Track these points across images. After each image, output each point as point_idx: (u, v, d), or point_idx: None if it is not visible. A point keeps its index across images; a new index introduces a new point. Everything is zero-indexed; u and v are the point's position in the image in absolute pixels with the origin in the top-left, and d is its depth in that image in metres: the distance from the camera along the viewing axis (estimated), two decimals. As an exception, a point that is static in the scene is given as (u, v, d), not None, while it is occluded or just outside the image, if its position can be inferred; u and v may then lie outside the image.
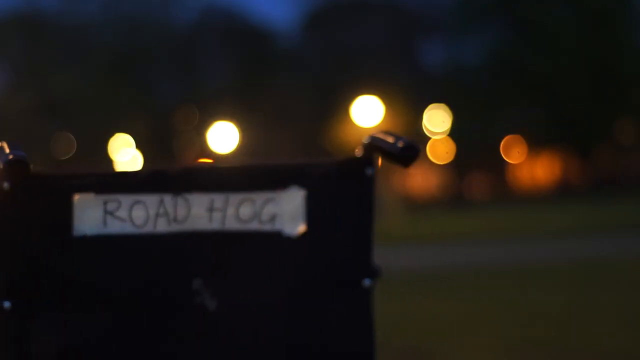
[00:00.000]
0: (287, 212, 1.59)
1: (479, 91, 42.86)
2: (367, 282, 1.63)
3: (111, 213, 1.57)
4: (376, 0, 45.13)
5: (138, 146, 41.24)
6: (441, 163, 44.32)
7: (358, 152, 1.69)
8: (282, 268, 1.59)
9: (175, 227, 1.58)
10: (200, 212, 1.58)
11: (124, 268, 1.57)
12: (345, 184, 1.62)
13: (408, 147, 1.63)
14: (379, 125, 37.90)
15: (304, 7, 56.59)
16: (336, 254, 1.61)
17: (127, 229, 1.57)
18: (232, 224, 1.59)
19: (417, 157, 1.64)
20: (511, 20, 44.14)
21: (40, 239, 1.55)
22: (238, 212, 1.59)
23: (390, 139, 1.67)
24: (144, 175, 1.60)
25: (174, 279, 1.57)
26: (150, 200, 1.57)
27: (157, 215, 1.58)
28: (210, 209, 1.59)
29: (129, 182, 1.58)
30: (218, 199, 1.59)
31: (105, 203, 1.56)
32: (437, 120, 41.07)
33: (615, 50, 41.90)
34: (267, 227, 1.59)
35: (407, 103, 39.55)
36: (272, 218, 1.60)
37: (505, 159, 45.08)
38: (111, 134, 40.91)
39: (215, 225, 1.59)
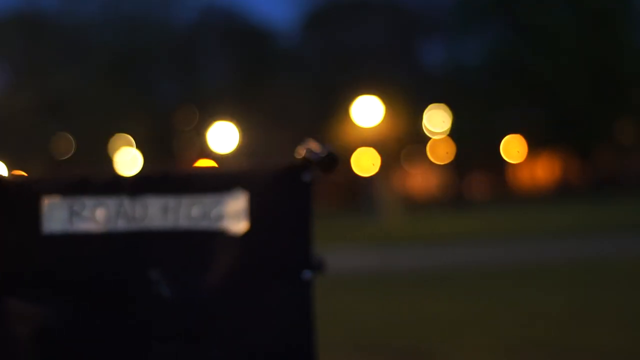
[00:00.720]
0: (232, 212, 1.80)
1: (479, 91, 42.85)
2: (306, 274, 1.81)
3: (77, 213, 1.80)
4: (376, 0, 45.12)
5: (138, 146, 41.24)
6: (441, 163, 44.33)
7: (298, 158, 1.85)
8: (228, 261, 1.79)
9: (134, 225, 1.80)
10: (156, 212, 1.80)
11: (88, 260, 1.79)
12: (284, 188, 1.82)
13: (328, 156, 1.81)
14: (379, 125, 37.92)
15: (304, 7, 56.64)
16: (276, 249, 1.81)
17: (91, 226, 1.80)
18: (184, 223, 1.80)
19: (336, 165, 1.81)
20: (511, 20, 44.13)
21: (13, 236, 1.80)
22: (190, 212, 1.80)
23: (315, 148, 1.83)
24: (106, 180, 1.83)
25: (133, 270, 1.79)
26: (111, 202, 1.80)
27: (118, 214, 1.80)
28: (165, 210, 1.80)
29: (92, 186, 1.82)
30: (172, 200, 1.80)
31: (71, 204, 1.80)
32: (437, 120, 41.07)
33: (615, 50, 41.88)
34: (214, 225, 1.80)
35: (407, 103, 39.55)
36: (219, 217, 1.80)
37: (505, 159, 45.08)
38: (111, 134, 40.92)
39: (169, 223, 1.80)
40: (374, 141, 39.56)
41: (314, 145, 1.84)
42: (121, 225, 1.79)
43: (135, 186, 1.81)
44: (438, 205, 40.81)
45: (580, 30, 42.43)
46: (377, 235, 23.15)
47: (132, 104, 41.41)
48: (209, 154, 40.61)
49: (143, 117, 41.75)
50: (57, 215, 1.79)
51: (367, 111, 37.15)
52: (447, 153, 43.12)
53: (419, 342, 6.80)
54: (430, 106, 41.04)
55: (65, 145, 41.64)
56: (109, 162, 40.87)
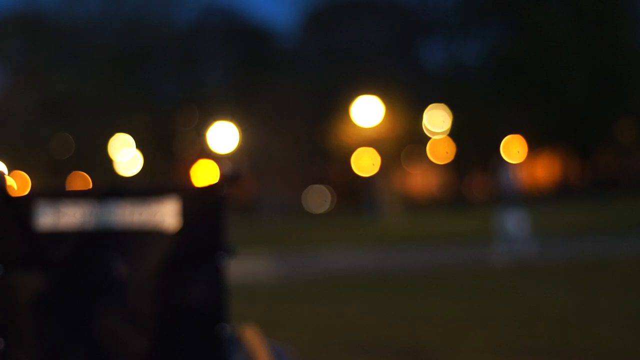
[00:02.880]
0: (169, 214, 2.50)
1: (479, 91, 42.84)
2: (220, 259, 2.50)
3: (62, 214, 2.50)
4: (376, 0, 45.11)
5: (138, 146, 41.22)
6: (441, 163, 44.34)
7: (220, 173, 2.52)
8: (166, 251, 2.49)
9: (102, 222, 2.51)
10: (117, 214, 2.51)
11: (70, 249, 2.49)
12: (206, 199, 2.51)
13: (232, 175, 2.51)
14: (379, 125, 37.89)
15: (304, 7, 56.58)
16: (198, 241, 2.51)
17: (72, 223, 2.50)
18: (137, 221, 2.51)
19: (239, 182, 2.52)
20: (511, 21, 44.14)
21: (15, 229, 2.48)
22: (141, 214, 2.51)
23: (225, 168, 2.52)
24: (82, 191, 2.54)
25: (100, 255, 2.50)
26: (86, 206, 2.51)
27: (91, 215, 2.50)
28: (124, 211, 2.51)
29: (73, 195, 2.51)
30: (129, 205, 2.51)
31: (57, 208, 2.50)
32: (437, 120, 41.06)
33: (615, 50, 41.88)
34: (158, 224, 2.50)
35: (407, 103, 39.54)
36: (161, 218, 2.50)
37: (505, 159, 45.05)
38: (111, 134, 40.89)
39: (126, 222, 2.51)
40: (374, 141, 39.55)
41: (224, 167, 2.51)
42: (93, 222, 2.51)
43: (103, 194, 2.52)
44: (438, 205, 40.80)
45: (580, 30, 42.43)
46: (377, 235, 23.16)
47: (132, 104, 41.38)
48: (209, 154, 40.59)
49: (143, 117, 41.73)
50: (46, 213, 2.50)
51: (367, 111, 37.15)
52: (447, 153, 43.12)
53: (419, 342, 6.81)
54: (430, 106, 41.03)
55: (65, 145, 41.63)
56: (109, 162, 40.86)
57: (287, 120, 40.73)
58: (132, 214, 2.51)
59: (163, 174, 41.31)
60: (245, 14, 52.71)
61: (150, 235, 2.49)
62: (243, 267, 15.71)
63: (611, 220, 21.06)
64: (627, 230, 17.51)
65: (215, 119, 39.43)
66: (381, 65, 40.81)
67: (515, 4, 43.10)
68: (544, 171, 47.71)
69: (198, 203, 2.50)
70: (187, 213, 2.49)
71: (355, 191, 44.96)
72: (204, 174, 42.38)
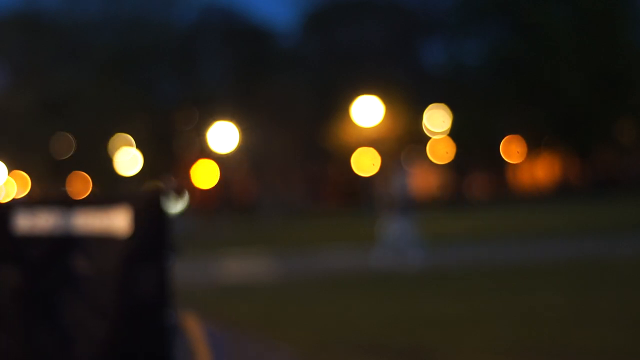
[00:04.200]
0: (123, 220, 2.95)
1: (479, 91, 42.83)
2: (166, 258, 2.96)
3: (36, 220, 2.98)
4: (376, 0, 45.11)
5: (138, 146, 41.21)
6: (441, 163, 44.33)
7: (161, 188, 3.01)
8: (121, 252, 2.94)
9: (68, 226, 2.98)
10: (79, 220, 2.98)
11: (43, 250, 2.97)
12: (154, 208, 2.96)
13: (174, 190, 3.00)
14: (379, 125, 37.89)
15: (304, 7, 56.58)
16: (148, 244, 2.96)
17: (45, 228, 2.97)
18: (96, 227, 2.97)
19: (179, 196, 3.04)
20: (511, 21, 44.13)
21: None
22: (100, 220, 2.97)
23: (167, 185, 3.00)
24: (53, 198, 3.02)
25: (66, 255, 2.97)
26: (57, 212, 2.98)
27: (60, 220, 2.97)
28: (85, 219, 2.97)
29: (45, 201, 3.00)
30: (89, 212, 2.98)
31: (33, 214, 2.98)
32: (437, 120, 41.07)
33: (615, 50, 41.88)
34: (113, 229, 2.96)
35: (407, 103, 39.53)
36: (117, 224, 2.96)
37: (505, 159, 45.07)
38: (111, 134, 40.89)
39: (88, 227, 2.97)
40: (374, 141, 39.55)
41: (167, 182, 2.96)
42: (62, 227, 2.97)
43: (68, 203, 2.98)
44: (438, 205, 40.79)
45: (580, 30, 42.43)
46: (376, 235, 23.12)
47: (132, 104, 41.38)
48: (209, 154, 40.60)
49: (143, 117, 41.72)
50: (23, 222, 2.98)
51: (367, 111, 37.16)
52: (447, 153, 43.12)
53: (419, 342, 6.81)
54: (430, 106, 41.03)
55: (65, 145, 41.61)
56: (109, 162, 40.85)
57: (287, 120, 40.72)
58: (93, 221, 2.96)
59: (163, 174, 41.32)
60: (245, 14, 52.69)
61: (108, 239, 2.95)
62: (243, 267, 15.72)
63: (611, 220, 21.05)
64: (627, 230, 17.50)
65: (215, 119, 39.43)
66: (381, 65, 40.81)
67: (515, 4, 43.10)
68: (544, 171, 47.70)
69: (147, 211, 2.96)
70: (138, 220, 2.94)
71: (355, 191, 44.94)
72: (204, 173, 42.34)
